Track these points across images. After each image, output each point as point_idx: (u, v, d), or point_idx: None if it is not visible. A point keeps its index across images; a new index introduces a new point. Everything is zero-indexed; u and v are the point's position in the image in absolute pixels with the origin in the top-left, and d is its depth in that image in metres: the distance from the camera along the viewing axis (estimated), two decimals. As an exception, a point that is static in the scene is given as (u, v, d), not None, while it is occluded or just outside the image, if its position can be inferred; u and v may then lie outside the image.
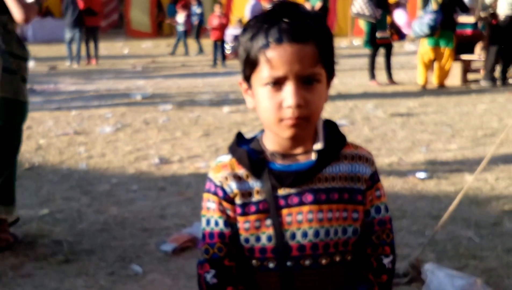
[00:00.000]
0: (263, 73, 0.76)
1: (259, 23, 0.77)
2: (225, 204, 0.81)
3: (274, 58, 0.75)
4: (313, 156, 0.80)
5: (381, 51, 6.38)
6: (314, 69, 0.76)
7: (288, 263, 0.79)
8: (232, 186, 0.80)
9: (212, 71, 8.30)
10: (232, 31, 9.63)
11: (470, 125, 4.20)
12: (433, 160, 3.27)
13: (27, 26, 11.59)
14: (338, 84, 6.46)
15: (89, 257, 2.08)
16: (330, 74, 0.80)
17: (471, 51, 6.27)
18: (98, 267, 1.99)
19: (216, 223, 0.81)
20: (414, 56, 8.10)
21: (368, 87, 6.17)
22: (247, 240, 0.80)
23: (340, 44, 12.08)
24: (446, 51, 5.79)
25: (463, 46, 6.06)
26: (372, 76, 6.37)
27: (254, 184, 0.80)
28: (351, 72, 7.54)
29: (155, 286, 1.86)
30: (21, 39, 2.19)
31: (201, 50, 10.88)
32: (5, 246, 2.14)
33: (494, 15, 5.89)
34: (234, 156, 0.82)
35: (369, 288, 0.82)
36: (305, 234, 0.79)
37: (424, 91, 5.84)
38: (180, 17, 10.96)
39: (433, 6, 5.67)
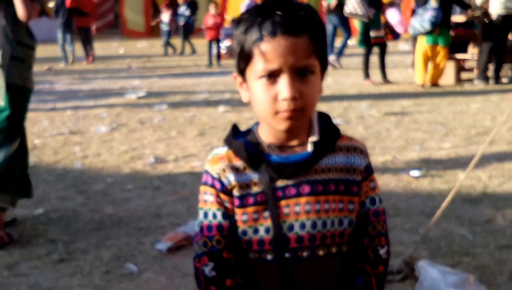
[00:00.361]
0: (258, 66, 0.76)
1: (253, 16, 0.77)
2: (223, 196, 0.81)
3: (268, 51, 0.75)
4: (309, 148, 0.80)
5: (376, 50, 6.40)
6: (308, 61, 0.76)
7: (286, 255, 0.79)
8: (230, 178, 0.80)
9: (207, 71, 8.30)
10: (227, 30, 9.63)
11: (463, 123, 4.23)
12: (427, 159, 3.30)
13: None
14: (333, 83, 6.48)
15: (84, 256, 2.08)
16: (324, 66, 0.81)
17: (464, 50, 6.31)
18: (93, 266, 1.99)
19: (214, 216, 0.81)
20: (409, 55, 8.15)
21: (362, 87, 6.20)
22: (244, 233, 0.80)
23: (335, 43, 12.10)
24: (442, 50, 5.82)
25: (457, 45, 6.09)
26: (367, 75, 6.39)
27: (252, 176, 0.80)
28: (345, 71, 7.57)
29: (150, 284, 1.87)
30: (29, 29, 2.28)
31: (193, 51, 10.85)
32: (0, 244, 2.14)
33: (486, 14, 5.92)
34: (231, 148, 0.82)
35: (366, 279, 0.83)
36: (303, 226, 0.79)
37: (418, 90, 5.87)
38: (165, 16, 10.94)
39: (432, 3, 5.67)
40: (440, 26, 5.68)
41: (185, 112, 4.94)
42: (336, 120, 4.36)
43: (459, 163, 3.13)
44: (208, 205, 0.82)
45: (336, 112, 4.75)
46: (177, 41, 11.12)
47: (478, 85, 5.97)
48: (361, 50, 6.63)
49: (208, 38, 8.91)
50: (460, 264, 1.92)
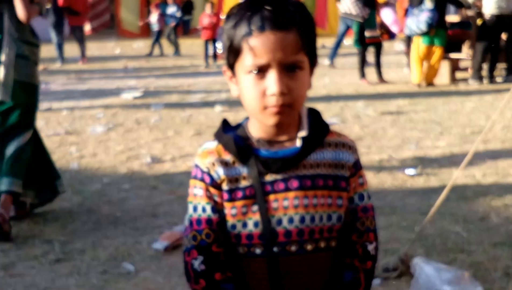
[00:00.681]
0: (246, 61, 0.77)
1: (242, 11, 0.77)
2: (212, 190, 0.81)
3: (257, 46, 0.75)
4: (298, 143, 0.81)
5: (371, 50, 6.42)
6: (297, 56, 0.76)
7: (275, 249, 0.79)
8: (219, 172, 0.80)
9: (204, 71, 8.30)
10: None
11: (458, 122, 4.26)
12: (422, 157, 3.32)
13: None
14: (329, 83, 6.50)
15: (81, 256, 2.08)
16: (313, 62, 0.81)
17: (458, 50, 6.34)
18: (90, 266, 2.00)
19: (204, 209, 0.82)
20: (404, 55, 8.18)
21: (358, 86, 6.22)
22: (233, 227, 0.81)
23: (331, 43, 12.13)
24: (438, 49, 5.85)
25: (451, 45, 6.12)
26: (362, 75, 6.41)
27: (241, 170, 0.80)
28: (342, 71, 7.59)
29: (147, 284, 1.87)
30: (32, 28, 2.39)
31: (177, 51, 10.73)
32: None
33: (480, 14, 5.96)
34: (221, 142, 0.82)
35: (355, 274, 0.84)
36: (291, 220, 0.79)
37: (414, 89, 5.90)
38: (153, 16, 10.94)
39: (427, 4, 5.69)
40: (436, 27, 5.71)
41: (181, 112, 4.94)
42: (332, 119, 4.38)
43: (454, 161, 3.16)
44: (198, 199, 0.82)
45: (332, 111, 4.77)
46: (166, 42, 11.06)
47: (473, 84, 6.00)
48: (357, 50, 6.65)
49: (204, 38, 8.91)
50: (455, 261, 1.93)
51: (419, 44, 5.87)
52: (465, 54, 6.37)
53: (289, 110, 0.77)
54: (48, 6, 8.67)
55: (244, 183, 0.80)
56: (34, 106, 2.38)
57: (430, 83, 6.03)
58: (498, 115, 2.73)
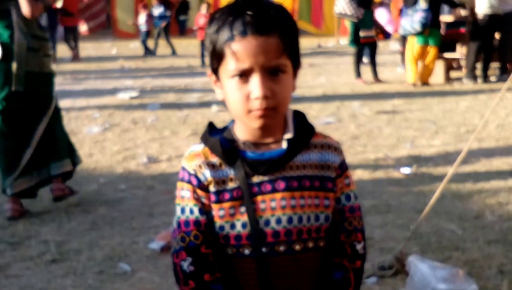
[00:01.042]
0: (230, 66, 0.78)
1: (224, 16, 0.78)
2: (199, 192, 0.82)
3: (239, 50, 0.76)
4: (284, 145, 0.82)
5: (366, 49, 6.44)
6: (279, 60, 0.77)
7: (263, 249, 0.80)
8: (206, 174, 0.81)
9: (200, 71, 8.30)
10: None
11: (453, 121, 4.28)
12: (417, 156, 3.34)
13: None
14: (325, 82, 6.52)
15: (77, 256, 2.08)
16: (296, 65, 0.82)
17: (453, 49, 6.37)
18: (86, 267, 1.99)
19: (191, 211, 0.82)
20: (399, 55, 8.21)
21: (354, 86, 6.24)
22: (222, 228, 0.81)
23: (327, 43, 12.17)
24: (432, 49, 5.88)
25: (445, 44, 6.16)
26: (358, 74, 6.43)
27: (228, 172, 0.81)
28: (337, 70, 7.61)
29: (143, 284, 1.87)
30: (40, 23, 2.60)
31: (153, 52, 10.73)
32: (62, 195, 2.56)
33: (473, 14, 5.99)
34: (207, 145, 0.83)
35: (344, 274, 0.84)
36: (279, 221, 0.80)
37: (409, 89, 5.93)
38: (141, 17, 10.93)
39: (422, 4, 5.71)
40: (430, 27, 5.74)
41: (178, 111, 4.94)
42: (328, 119, 4.40)
43: (449, 160, 3.17)
44: (185, 201, 0.83)
45: (328, 110, 4.79)
46: (162, 42, 11.05)
47: (467, 83, 6.03)
48: (353, 50, 6.68)
49: (200, 38, 8.90)
50: (450, 259, 1.95)
51: (414, 44, 5.90)
52: (459, 53, 6.41)
53: (273, 113, 0.78)
54: (58, 5, 8.65)
55: (231, 185, 0.81)
56: (48, 90, 2.57)
57: (425, 83, 6.06)
58: (492, 114, 2.75)
